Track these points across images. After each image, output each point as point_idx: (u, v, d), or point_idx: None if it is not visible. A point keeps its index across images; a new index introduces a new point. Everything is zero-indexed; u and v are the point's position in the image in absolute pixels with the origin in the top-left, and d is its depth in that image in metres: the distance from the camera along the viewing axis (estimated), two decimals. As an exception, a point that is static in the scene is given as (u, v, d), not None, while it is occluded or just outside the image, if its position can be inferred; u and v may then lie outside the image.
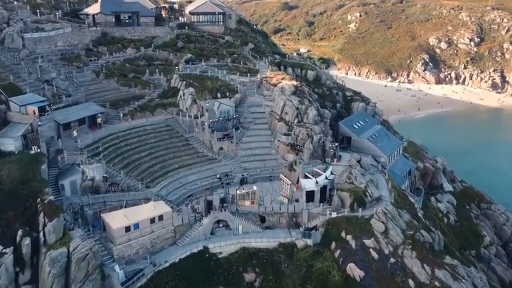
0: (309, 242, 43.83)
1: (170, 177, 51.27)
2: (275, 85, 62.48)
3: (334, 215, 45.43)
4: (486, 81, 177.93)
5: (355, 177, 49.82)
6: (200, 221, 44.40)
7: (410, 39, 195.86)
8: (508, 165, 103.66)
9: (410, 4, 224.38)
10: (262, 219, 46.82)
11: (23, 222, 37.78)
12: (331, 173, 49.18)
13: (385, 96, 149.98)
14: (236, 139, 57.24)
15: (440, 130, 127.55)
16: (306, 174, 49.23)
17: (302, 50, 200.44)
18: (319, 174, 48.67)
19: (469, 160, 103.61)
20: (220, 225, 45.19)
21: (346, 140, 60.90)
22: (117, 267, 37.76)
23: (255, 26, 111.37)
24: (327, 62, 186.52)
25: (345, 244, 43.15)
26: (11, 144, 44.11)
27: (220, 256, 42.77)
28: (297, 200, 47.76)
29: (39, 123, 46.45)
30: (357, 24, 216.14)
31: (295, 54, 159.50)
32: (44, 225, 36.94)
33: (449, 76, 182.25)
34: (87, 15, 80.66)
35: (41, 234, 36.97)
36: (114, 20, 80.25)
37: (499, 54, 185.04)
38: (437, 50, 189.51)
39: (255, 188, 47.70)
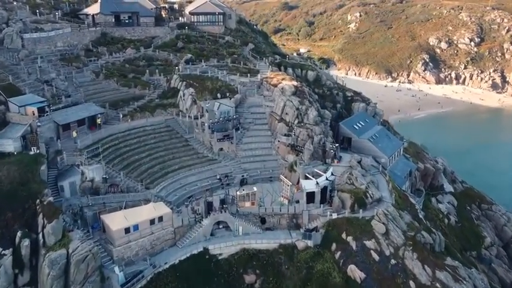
0: (310, 243, 43.60)
1: (170, 178, 51.05)
2: (275, 85, 62.28)
3: (334, 216, 45.24)
4: (486, 81, 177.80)
5: (356, 178, 49.61)
6: (200, 222, 44.21)
7: (410, 39, 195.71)
8: (508, 166, 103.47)
9: (410, 4, 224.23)
10: (263, 221, 46.64)
11: (22, 223, 37.58)
12: (332, 174, 49.01)
13: (385, 96, 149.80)
14: (236, 140, 57.05)
15: (440, 130, 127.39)
16: (307, 175, 49.03)
17: (302, 50, 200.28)
18: (320, 175, 48.46)
19: (469, 160, 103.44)
20: (221, 226, 45.01)
21: (347, 140, 60.69)
22: (116, 269, 37.55)
23: (255, 26, 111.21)
24: (327, 62, 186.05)
25: (345, 245, 42.94)
26: (10, 145, 43.89)
27: (220, 257, 42.54)
28: (298, 201, 47.56)
29: (39, 124, 46.28)
30: (357, 24, 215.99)
31: (295, 54, 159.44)
32: (43, 227, 36.74)
33: (449, 76, 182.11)
34: (86, 15, 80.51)
35: (40, 235, 36.77)
36: (113, 20, 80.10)
37: (499, 54, 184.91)
38: (438, 50, 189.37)
39: (255, 189, 47.51)
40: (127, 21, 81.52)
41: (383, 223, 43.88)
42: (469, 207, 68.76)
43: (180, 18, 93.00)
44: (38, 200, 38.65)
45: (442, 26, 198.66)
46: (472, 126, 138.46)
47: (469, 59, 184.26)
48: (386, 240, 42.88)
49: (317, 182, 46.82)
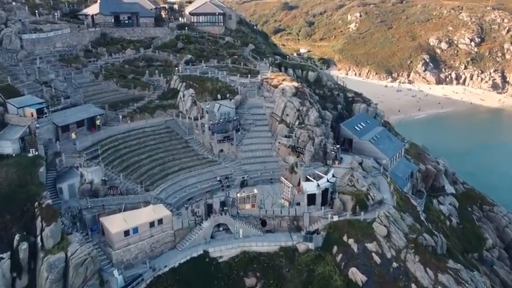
0: (311, 245, 43.29)
1: (170, 180, 50.69)
2: (276, 86, 61.91)
3: (335, 218, 44.90)
4: (487, 82, 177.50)
5: (357, 180, 49.27)
6: (200, 225, 43.88)
7: (410, 39, 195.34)
8: (509, 166, 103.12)
9: (410, 4, 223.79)
10: (263, 223, 46.31)
11: (21, 226, 37.25)
12: (333, 176, 48.67)
13: (385, 96, 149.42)
14: (236, 141, 56.69)
15: (440, 131, 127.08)
16: (308, 177, 48.69)
17: (302, 50, 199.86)
18: (321, 177, 48.12)
19: (470, 161, 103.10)
20: (221, 228, 44.68)
21: (348, 142, 60.35)
22: (115, 272, 37.21)
23: (255, 27, 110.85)
24: (327, 63, 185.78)
25: (346, 248, 42.61)
26: (9, 147, 43.52)
27: (220, 260, 42.22)
28: (298, 203, 47.21)
29: (37, 125, 45.90)
30: (357, 25, 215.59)
31: (295, 54, 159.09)
32: (42, 230, 36.43)
33: (449, 76, 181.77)
34: (86, 15, 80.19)
35: (39, 238, 36.43)
36: (113, 20, 79.79)
37: (500, 54, 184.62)
38: (438, 50, 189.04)
39: (255, 191, 47.13)
40: (126, 21, 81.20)
41: (384, 225, 43.54)
42: (470, 209, 68.43)
43: (180, 18, 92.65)
44: (36, 203, 38.32)
45: (443, 26, 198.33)
46: (473, 127, 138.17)
47: (469, 59, 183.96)
48: (388, 242, 42.53)
49: (318, 184, 46.45)
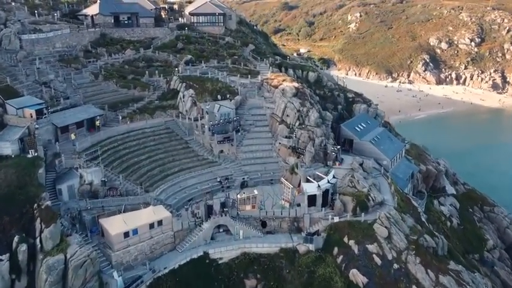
0: (311, 247, 43.06)
1: (170, 181, 50.52)
2: (276, 87, 61.72)
3: (336, 219, 44.70)
4: (487, 82, 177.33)
5: (358, 181, 49.06)
6: (200, 226, 43.65)
7: (410, 39, 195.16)
8: (509, 166, 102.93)
9: (410, 4, 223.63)
10: (263, 224, 46.10)
11: (19, 228, 36.96)
12: (333, 177, 48.45)
13: (385, 96, 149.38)
14: (237, 142, 56.50)
15: (441, 131, 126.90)
16: (308, 178, 48.49)
17: (302, 50, 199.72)
18: (321, 178, 47.91)
19: (470, 161, 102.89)
20: (221, 230, 44.45)
21: (348, 142, 60.16)
22: (115, 274, 37.02)
23: (255, 27, 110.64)
24: (327, 63, 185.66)
25: (347, 249, 42.39)
26: (8, 147, 43.29)
27: (220, 262, 42.01)
28: (299, 205, 46.98)
29: (37, 126, 45.70)
30: (357, 25, 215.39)
31: (295, 54, 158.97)
32: (41, 232, 36.18)
33: (449, 76, 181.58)
34: (85, 16, 79.99)
35: (38, 240, 36.17)
36: (113, 21, 79.60)
37: (500, 54, 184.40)
38: (438, 51, 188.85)
39: (256, 192, 46.91)
40: (126, 22, 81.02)
41: (385, 227, 43.34)
42: (471, 210, 68.23)
43: (180, 19, 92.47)
44: (35, 204, 38.05)
45: (443, 26, 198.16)
46: (473, 127, 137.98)
47: (469, 59, 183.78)
48: (389, 244, 42.33)
49: (318, 185, 46.24)
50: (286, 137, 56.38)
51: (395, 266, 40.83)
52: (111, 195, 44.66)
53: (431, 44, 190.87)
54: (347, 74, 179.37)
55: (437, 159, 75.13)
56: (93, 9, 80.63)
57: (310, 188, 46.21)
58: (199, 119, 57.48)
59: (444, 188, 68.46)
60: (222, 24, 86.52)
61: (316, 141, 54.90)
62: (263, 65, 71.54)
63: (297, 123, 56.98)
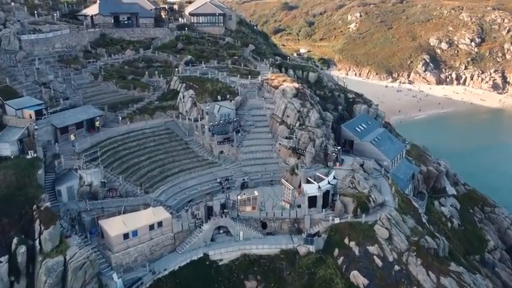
0: (312, 248, 42.94)
1: (169, 181, 50.34)
2: (276, 87, 61.52)
3: (337, 220, 44.55)
4: (487, 82, 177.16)
5: (358, 182, 48.85)
6: (200, 227, 43.50)
7: (410, 39, 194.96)
8: (509, 167, 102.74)
9: (410, 4, 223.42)
10: (264, 225, 45.94)
11: (19, 229, 36.80)
12: (334, 178, 48.28)
13: (385, 97, 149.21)
14: (237, 142, 56.31)
15: (441, 131, 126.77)
16: (308, 179, 48.33)
17: (302, 51, 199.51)
18: (322, 179, 47.75)
19: (470, 161, 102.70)
20: (221, 231, 44.31)
21: (349, 143, 59.93)
22: (115, 276, 36.86)
23: (255, 27, 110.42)
24: (327, 63, 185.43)
25: (348, 251, 42.25)
26: (7, 148, 43.18)
27: (220, 263, 41.86)
28: (299, 206, 46.85)
29: (36, 127, 45.59)
30: (357, 25, 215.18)
31: (295, 54, 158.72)
32: (40, 233, 36.01)
33: (450, 77, 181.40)
34: (85, 16, 79.76)
35: (37, 242, 35.99)
36: (112, 21, 79.39)
37: (500, 54, 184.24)
38: (438, 51, 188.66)
39: (256, 193, 46.71)
40: (126, 22, 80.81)
41: (386, 228, 43.19)
42: (471, 210, 68.02)
43: (180, 19, 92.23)
44: (34, 205, 37.88)
45: (443, 26, 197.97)
46: (473, 127, 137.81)
47: (469, 59, 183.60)
48: (390, 245, 42.18)
49: (319, 186, 46.08)
50: (286, 138, 56.19)
51: (396, 267, 40.68)
52: (111, 196, 44.47)
53: (432, 44, 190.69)
54: (347, 74, 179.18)
55: (437, 159, 74.93)
56: (92, 10, 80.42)
57: (311, 189, 46.06)
58: (199, 119, 57.31)
59: (445, 188, 68.25)
60: (222, 24, 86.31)
61: (317, 142, 54.71)
62: (263, 66, 71.31)
63: (298, 124, 56.78)
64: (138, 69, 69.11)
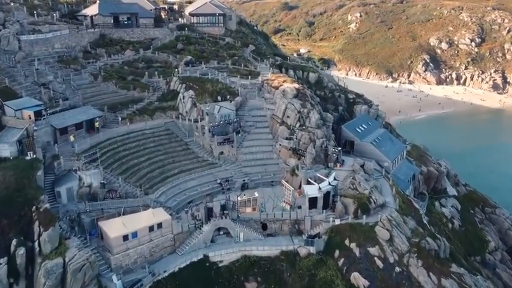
0: (312, 250, 42.80)
1: (169, 182, 50.10)
2: (276, 88, 61.31)
3: (337, 222, 44.44)
4: (487, 82, 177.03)
5: (359, 183, 48.69)
6: (200, 229, 43.37)
7: (410, 39, 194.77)
8: (509, 167, 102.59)
9: (410, 4, 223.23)
10: (264, 227, 45.79)
11: (18, 231, 36.57)
12: (334, 179, 48.12)
13: (386, 97, 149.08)
14: (237, 143, 56.12)
15: (441, 131, 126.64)
16: (309, 180, 48.16)
17: (302, 51, 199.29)
18: (322, 180, 47.60)
19: (470, 162, 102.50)
20: (221, 232, 44.18)
21: (349, 144, 59.71)
22: (114, 278, 36.73)
23: (255, 27, 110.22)
24: (327, 63, 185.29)
25: (348, 252, 42.11)
26: (6, 149, 43.01)
27: (220, 265, 41.73)
28: (300, 207, 46.69)
29: (35, 128, 45.38)
30: (357, 25, 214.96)
31: (295, 54, 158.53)
32: (39, 235, 35.82)
33: (450, 77, 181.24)
34: (85, 16, 79.53)
35: (36, 243, 35.78)
36: (112, 21, 79.14)
37: (500, 54, 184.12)
38: (438, 51, 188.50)
39: (256, 194, 46.50)
40: (126, 22, 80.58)
41: (387, 229, 43.06)
42: (472, 211, 67.77)
43: (180, 19, 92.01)
44: (34, 207, 37.66)
45: (443, 26, 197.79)
46: (473, 127, 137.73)
47: (469, 59, 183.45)
48: (391, 246, 42.04)
49: (319, 187, 45.93)
50: (286, 139, 55.99)
51: (397, 269, 40.53)
52: (111, 197, 44.26)
53: (432, 44, 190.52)
54: (347, 74, 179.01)
55: (438, 160, 74.72)
56: (92, 10, 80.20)
57: (311, 190, 45.92)
58: (199, 120, 57.13)
59: (445, 189, 68.07)
60: (222, 24, 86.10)
61: (317, 143, 54.51)
62: (263, 66, 71.12)
63: (298, 125, 56.57)
64: (138, 69, 68.92)
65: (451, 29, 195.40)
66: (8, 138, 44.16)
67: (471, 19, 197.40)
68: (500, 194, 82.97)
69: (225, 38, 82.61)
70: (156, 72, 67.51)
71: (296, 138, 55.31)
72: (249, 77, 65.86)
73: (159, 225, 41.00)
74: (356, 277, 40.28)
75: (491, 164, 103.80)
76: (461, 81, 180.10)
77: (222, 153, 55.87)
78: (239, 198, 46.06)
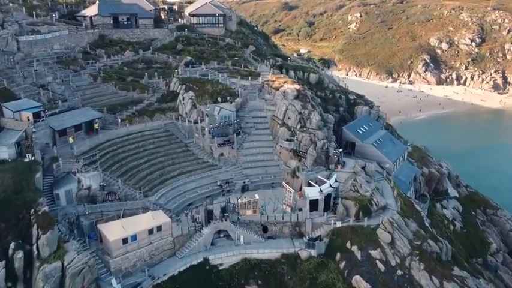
0: (313, 252, 42.48)
1: (169, 185, 49.71)
2: (277, 89, 60.90)
3: (338, 224, 44.10)
4: (487, 82, 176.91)
5: (360, 185, 48.35)
6: (200, 231, 43.04)
7: (411, 39, 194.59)
8: (510, 167, 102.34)
9: (411, 4, 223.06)
10: (265, 229, 45.45)
11: (16, 234, 36.31)
12: (336, 181, 47.77)
13: (386, 97, 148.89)
14: (237, 145, 55.72)
15: (441, 131, 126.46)
16: (310, 182, 47.80)
17: (302, 51, 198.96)
18: (323, 182, 47.25)
19: (471, 162, 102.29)
20: (221, 235, 43.85)
21: (350, 145, 59.30)
22: (114, 281, 36.37)
23: (255, 28, 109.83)
24: (328, 63, 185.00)
25: (350, 255, 41.77)
26: (4, 152, 42.65)
27: (221, 268, 41.40)
28: (300, 209, 46.35)
29: (34, 129, 45.03)
30: (357, 25, 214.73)
31: (295, 55, 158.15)
32: (38, 238, 35.54)
33: (450, 77, 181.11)
34: (84, 17, 79.17)
35: (34, 247, 35.51)
36: (112, 22, 78.73)
37: (501, 55, 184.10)
38: (438, 51, 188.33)
39: (257, 196, 46.23)
40: (125, 23, 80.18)
41: (388, 232, 42.72)
42: (474, 213, 67.39)
43: (180, 19, 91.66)
44: (32, 210, 37.37)
45: (443, 26, 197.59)
46: (473, 128, 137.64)
47: (470, 59, 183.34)
48: (392, 249, 41.70)
49: (320, 189, 45.61)
50: (287, 140, 55.60)
51: (399, 272, 40.18)
52: (110, 200, 43.96)
53: (432, 44, 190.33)
54: (347, 75, 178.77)
55: (439, 161, 74.33)
56: (91, 10, 79.81)
57: (312, 193, 45.61)
58: (199, 121, 56.76)
59: (447, 190, 67.64)
60: (222, 25, 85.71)
61: (318, 144, 54.11)
62: (264, 67, 70.68)
63: (299, 126, 56.19)
64: (138, 70, 68.52)
65: (452, 29, 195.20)
66: (6, 140, 43.81)
67: (471, 19, 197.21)
68: (500, 194, 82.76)
69: (225, 39, 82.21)
70: (155, 73, 67.13)
71: (297, 139, 54.93)
72: (249, 78, 65.41)
73: (159, 228, 40.64)
74: (357, 280, 39.92)
75: (491, 164, 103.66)
76: (462, 82, 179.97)
77: (222, 154, 55.50)
78: (239, 200, 45.77)
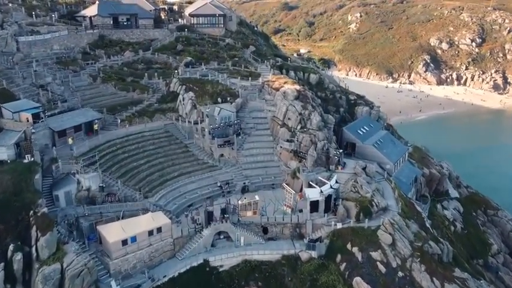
0: (314, 254, 42.24)
1: (169, 186, 49.53)
2: (277, 89, 60.73)
3: (339, 225, 43.89)
4: (488, 82, 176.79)
5: (361, 186, 48.17)
6: (200, 233, 42.81)
7: (411, 39, 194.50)
8: (510, 168, 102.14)
9: (411, 4, 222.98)
10: (265, 230, 45.25)
11: (15, 236, 36.06)
12: (336, 182, 47.58)
13: (386, 97, 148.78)
14: (237, 145, 55.56)
15: (441, 131, 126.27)
16: (310, 183, 47.61)
17: (302, 51, 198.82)
18: (324, 183, 47.07)
19: (471, 162, 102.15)
20: (221, 236, 43.61)
21: (351, 146, 59.12)
22: (113, 283, 36.18)
23: (255, 28, 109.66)
24: (328, 63, 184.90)
25: (350, 256, 41.55)
26: (4, 153, 42.39)
27: (221, 269, 41.15)
28: (301, 210, 46.16)
29: (33, 130, 44.77)
30: (357, 25, 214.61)
31: (295, 55, 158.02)
32: (37, 240, 35.29)
33: (450, 77, 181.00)
34: (84, 17, 79.03)
35: (34, 249, 35.27)
36: (111, 22, 78.56)
37: (501, 55, 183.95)
38: (439, 51, 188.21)
39: (257, 197, 46.06)
40: (125, 23, 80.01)
41: (389, 233, 42.46)
42: (474, 213, 67.23)
43: (180, 20, 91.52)
44: (31, 211, 37.13)
45: (443, 26, 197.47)
46: (474, 128, 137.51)
47: (470, 59, 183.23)
48: (393, 251, 41.47)
49: (321, 190, 45.42)
50: (287, 141, 55.43)
51: (400, 273, 39.95)
52: (109, 201, 43.80)
53: (432, 44, 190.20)
54: (347, 75, 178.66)
55: (440, 162, 74.14)
56: (91, 11, 79.65)
57: (313, 194, 45.42)
58: (199, 122, 56.59)
59: (447, 191, 67.51)
60: (222, 25, 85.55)
61: (318, 145, 53.94)
62: (264, 67, 70.51)
63: (299, 127, 56.03)
64: (138, 71, 68.35)
65: (452, 29, 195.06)
66: (5, 141, 43.55)
67: (472, 19, 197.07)
68: (501, 195, 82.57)
69: (225, 39, 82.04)
70: (155, 74, 66.96)
71: (297, 140, 54.77)
72: (250, 78, 65.22)
73: (159, 229, 40.43)
74: (358, 282, 39.72)
75: (492, 164, 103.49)
76: (462, 82, 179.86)
77: (222, 155, 55.32)
78: (240, 201, 45.60)
